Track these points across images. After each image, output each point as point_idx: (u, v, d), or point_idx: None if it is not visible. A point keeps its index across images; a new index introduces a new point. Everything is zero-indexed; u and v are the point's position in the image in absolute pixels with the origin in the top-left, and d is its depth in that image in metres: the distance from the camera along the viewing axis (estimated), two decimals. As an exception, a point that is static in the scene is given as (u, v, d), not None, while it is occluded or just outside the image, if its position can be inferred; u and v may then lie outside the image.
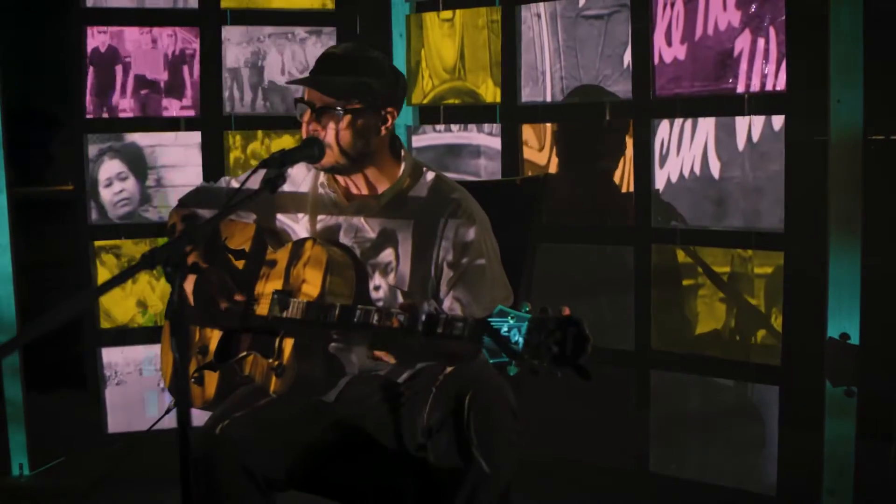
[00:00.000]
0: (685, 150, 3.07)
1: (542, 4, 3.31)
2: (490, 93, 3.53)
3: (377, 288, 2.31)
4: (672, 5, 3.09)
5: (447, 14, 3.40)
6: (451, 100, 3.46)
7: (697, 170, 3.09)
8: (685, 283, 3.24)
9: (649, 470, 3.35)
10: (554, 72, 3.25)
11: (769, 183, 3.01)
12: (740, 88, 3.06)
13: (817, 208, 2.89)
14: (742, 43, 3.03)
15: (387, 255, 2.32)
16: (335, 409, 2.33)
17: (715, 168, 3.07)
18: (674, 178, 3.10)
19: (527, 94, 3.35)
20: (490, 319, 1.82)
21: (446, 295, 2.30)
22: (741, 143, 3.05)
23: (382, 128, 2.34)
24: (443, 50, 3.45)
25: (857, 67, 2.79)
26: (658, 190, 3.25)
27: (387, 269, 2.32)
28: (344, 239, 2.36)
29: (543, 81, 3.29)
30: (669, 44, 3.07)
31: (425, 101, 3.53)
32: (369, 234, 2.35)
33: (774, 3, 3.00)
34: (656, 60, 3.16)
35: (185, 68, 3.66)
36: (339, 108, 2.26)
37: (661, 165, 3.12)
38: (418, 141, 3.56)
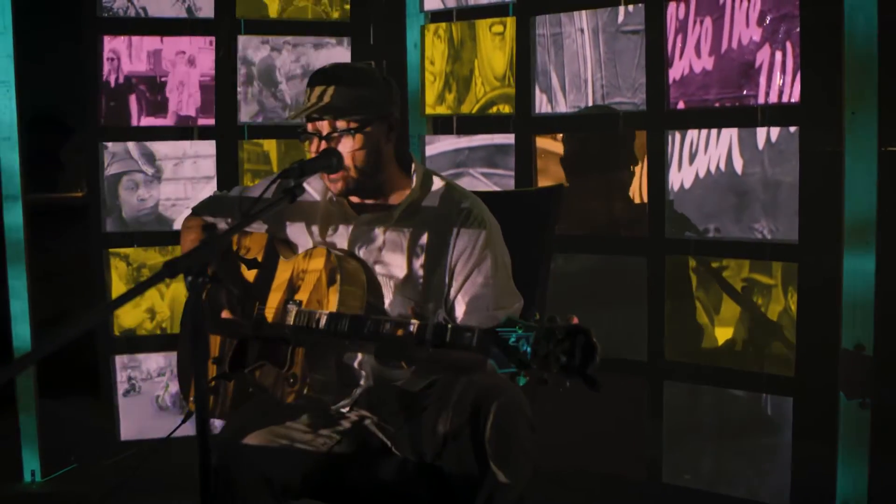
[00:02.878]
0: (712, 149, 3.24)
1: (585, 20, 3.45)
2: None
3: (391, 299, 2.31)
4: (702, 21, 3.18)
5: (498, 28, 3.63)
6: (501, 105, 3.64)
7: (723, 166, 3.22)
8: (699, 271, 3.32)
9: (662, 480, 3.34)
10: (595, 80, 3.45)
11: (786, 178, 3.11)
12: (760, 99, 3.09)
13: (832, 219, 2.90)
14: (762, 56, 3.07)
15: (400, 265, 2.32)
16: (351, 417, 2.33)
17: (738, 165, 3.19)
18: (702, 174, 3.27)
19: (571, 100, 3.51)
20: (498, 329, 1.82)
21: (457, 302, 2.30)
22: (761, 142, 3.16)
23: (389, 134, 2.33)
24: (493, 60, 3.64)
25: (872, 79, 2.80)
26: (679, 191, 3.31)
27: (400, 279, 2.32)
28: (356, 250, 2.36)
29: (586, 89, 3.47)
30: (699, 55, 3.19)
31: (476, 108, 3.69)
32: (382, 245, 2.35)
33: (790, 16, 3.01)
34: (686, 71, 3.24)
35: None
36: (350, 127, 2.24)
37: (691, 162, 3.29)
38: (470, 141, 3.69)
